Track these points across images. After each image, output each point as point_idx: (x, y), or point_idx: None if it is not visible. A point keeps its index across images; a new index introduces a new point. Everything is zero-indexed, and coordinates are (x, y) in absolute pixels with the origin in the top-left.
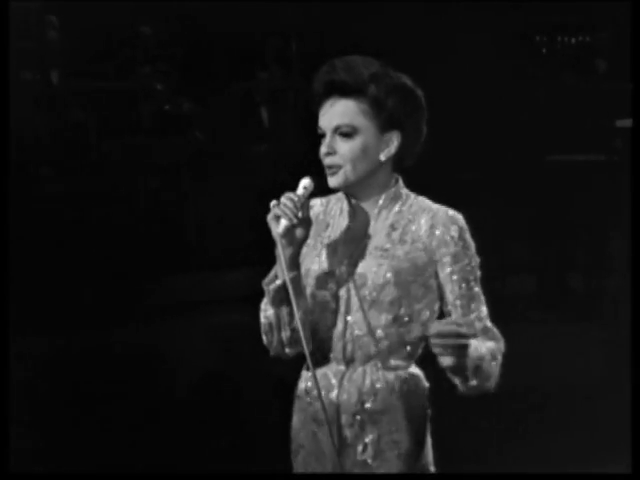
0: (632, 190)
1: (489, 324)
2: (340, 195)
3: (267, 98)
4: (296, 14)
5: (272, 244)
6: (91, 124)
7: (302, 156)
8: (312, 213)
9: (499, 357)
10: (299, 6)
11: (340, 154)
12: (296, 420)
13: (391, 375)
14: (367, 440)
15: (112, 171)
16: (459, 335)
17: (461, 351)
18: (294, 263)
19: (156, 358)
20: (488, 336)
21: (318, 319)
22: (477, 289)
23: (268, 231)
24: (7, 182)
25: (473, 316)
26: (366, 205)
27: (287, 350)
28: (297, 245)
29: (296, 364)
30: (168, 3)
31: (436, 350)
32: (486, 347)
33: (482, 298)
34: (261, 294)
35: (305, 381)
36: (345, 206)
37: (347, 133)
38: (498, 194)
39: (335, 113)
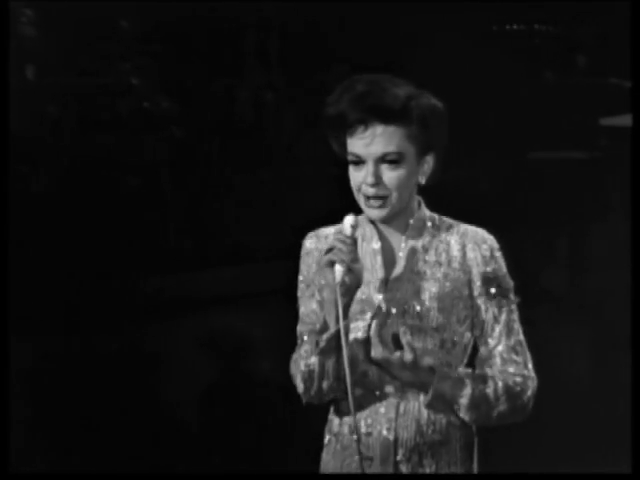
0: (632, 190)
1: (515, 357)
2: (359, 219)
3: (248, 95)
4: (278, 9)
5: (251, 245)
6: (67, 121)
7: (285, 153)
8: (327, 243)
9: (512, 395)
10: (282, 1)
11: (387, 183)
12: (331, 460)
13: None
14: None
15: (89, 169)
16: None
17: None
18: (347, 311)
19: (153, 358)
20: (507, 368)
21: (357, 351)
22: (504, 316)
23: (249, 230)
24: None
25: (493, 343)
26: (392, 229)
27: (325, 399)
28: (352, 292)
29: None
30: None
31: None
32: (494, 387)
33: (514, 325)
34: (242, 296)
35: (346, 420)
36: (368, 232)
37: (394, 160)
38: (479, 192)
39: (379, 140)
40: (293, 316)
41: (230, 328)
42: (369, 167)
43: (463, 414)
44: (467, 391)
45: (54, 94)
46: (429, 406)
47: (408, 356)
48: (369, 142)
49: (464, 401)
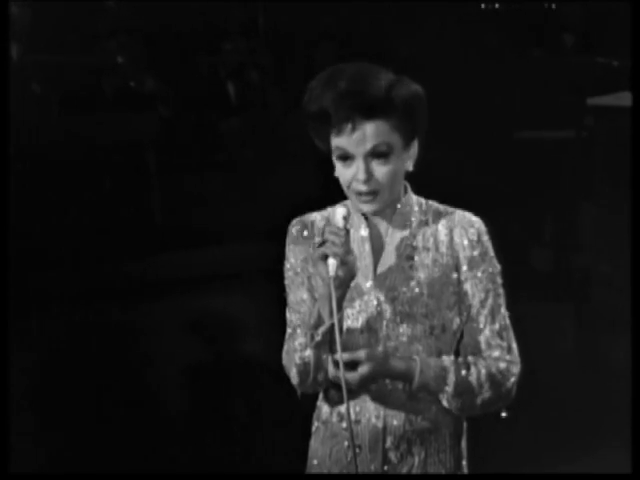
0: (632, 184)
1: (499, 342)
2: (345, 204)
3: (233, 72)
4: None
5: (236, 226)
6: (53, 99)
7: (269, 132)
8: (315, 229)
9: (496, 382)
10: None
11: (378, 178)
12: (320, 447)
13: None
14: (414, 462)
15: (74, 148)
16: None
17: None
18: (341, 304)
19: (140, 340)
20: (491, 353)
21: (346, 339)
22: (491, 300)
23: (233, 210)
24: None
25: (479, 327)
26: (380, 215)
27: (320, 389)
28: (346, 286)
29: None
30: None
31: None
32: (477, 375)
33: (500, 310)
34: (228, 277)
35: (335, 408)
36: (356, 219)
37: (383, 153)
38: (465, 172)
39: (366, 135)
40: (278, 298)
41: (216, 309)
42: (359, 163)
43: (448, 403)
44: (451, 380)
45: (39, 72)
46: (413, 396)
47: (356, 376)
48: (356, 138)
49: (448, 389)
